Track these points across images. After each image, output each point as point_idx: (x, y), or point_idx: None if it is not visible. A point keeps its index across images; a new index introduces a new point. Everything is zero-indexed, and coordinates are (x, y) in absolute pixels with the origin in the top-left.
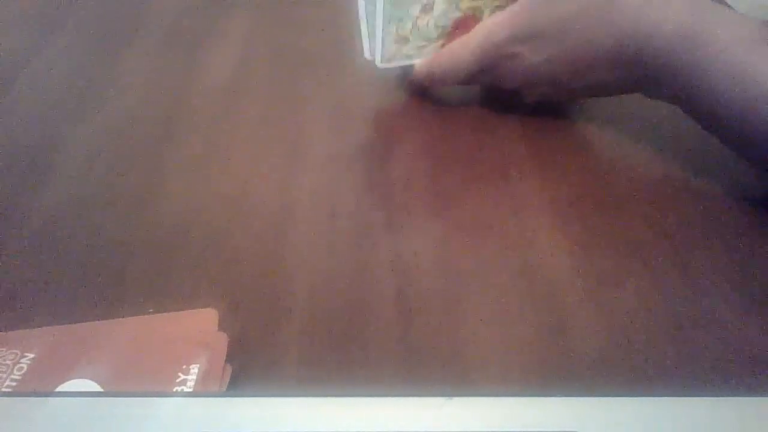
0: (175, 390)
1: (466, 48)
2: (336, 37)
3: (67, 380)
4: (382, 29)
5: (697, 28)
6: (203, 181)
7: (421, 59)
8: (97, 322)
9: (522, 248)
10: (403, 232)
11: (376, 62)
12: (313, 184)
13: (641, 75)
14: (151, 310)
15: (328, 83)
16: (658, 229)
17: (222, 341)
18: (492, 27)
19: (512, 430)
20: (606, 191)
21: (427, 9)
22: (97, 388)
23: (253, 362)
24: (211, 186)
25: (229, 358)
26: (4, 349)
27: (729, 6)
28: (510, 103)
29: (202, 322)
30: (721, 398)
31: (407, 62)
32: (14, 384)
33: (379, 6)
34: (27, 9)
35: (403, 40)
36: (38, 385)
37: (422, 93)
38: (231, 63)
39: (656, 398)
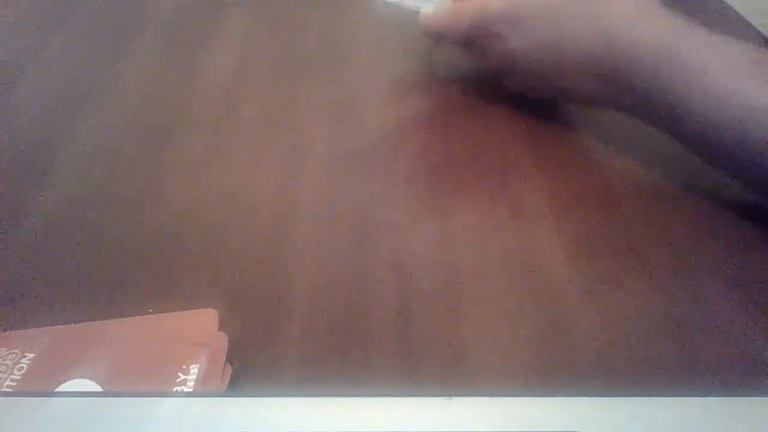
0: (175, 390)
1: (463, 13)
2: (336, 37)
3: (67, 380)
4: None
5: (681, 47)
6: (203, 181)
7: (423, 6)
8: (97, 322)
9: (522, 248)
10: (403, 232)
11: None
12: (313, 184)
13: (620, 88)
14: (151, 310)
15: (328, 83)
16: (657, 229)
17: (222, 341)
18: (488, 0)
19: (512, 430)
20: (606, 192)
21: None
22: (97, 388)
23: (253, 362)
24: (211, 186)
25: (229, 358)
26: (4, 349)
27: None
28: (509, 101)
29: (202, 322)
30: (721, 398)
31: (410, 3)
32: (14, 384)
33: None
34: (27, 9)
35: None
36: (38, 385)
37: (429, 81)
38: (231, 63)
39: (656, 398)
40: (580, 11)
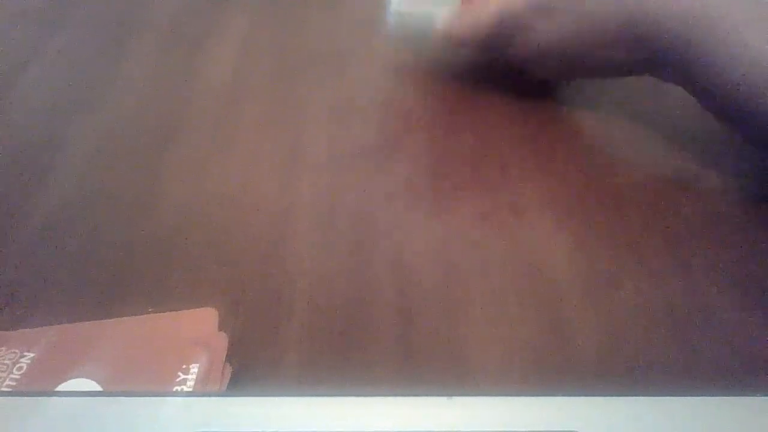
0: (175, 390)
1: (486, 12)
2: (336, 36)
3: (67, 380)
4: None
5: (710, 9)
6: (203, 181)
7: (435, 12)
8: (97, 322)
9: (522, 248)
10: (403, 232)
11: (392, 7)
12: (313, 184)
13: (650, 55)
14: (151, 310)
15: (328, 83)
16: (658, 229)
17: (222, 341)
18: None
19: (512, 430)
20: (606, 191)
21: None
22: (97, 387)
23: (253, 362)
24: (211, 186)
25: (229, 358)
26: (4, 349)
27: None
28: (510, 100)
29: (202, 322)
30: (721, 398)
31: (421, 8)
32: (14, 384)
33: None
34: (27, 8)
35: None
36: (38, 385)
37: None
38: (231, 63)
39: (656, 398)
40: None
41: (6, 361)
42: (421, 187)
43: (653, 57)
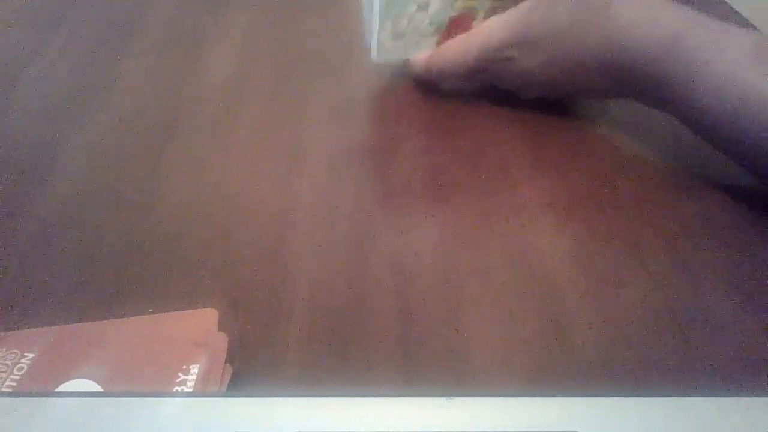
0: (175, 390)
1: (466, 47)
2: (336, 36)
3: (67, 380)
4: (379, 25)
5: (682, 41)
6: (203, 181)
7: (415, 55)
8: (97, 322)
9: (522, 248)
10: (403, 232)
11: (373, 56)
12: (313, 184)
13: (631, 84)
14: (151, 310)
15: (328, 83)
16: (658, 229)
17: (222, 341)
18: (491, 30)
19: (512, 430)
20: (606, 191)
21: (422, 7)
22: (97, 388)
23: (253, 362)
24: (211, 186)
25: (229, 358)
26: (4, 349)
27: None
28: (509, 101)
29: (202, 322)
30: (721, 398)
31: (402, 57)
32: (14, 384)
33: (377, 4)
34: (27, 8)
35: (399, 35)
36: (38, 385)
37: (426, 88)
38: (231, 63)
39: (656, 398)
40: (583, 25)
41: (6, 362)
42: (420, 186)
43: (631, 86)
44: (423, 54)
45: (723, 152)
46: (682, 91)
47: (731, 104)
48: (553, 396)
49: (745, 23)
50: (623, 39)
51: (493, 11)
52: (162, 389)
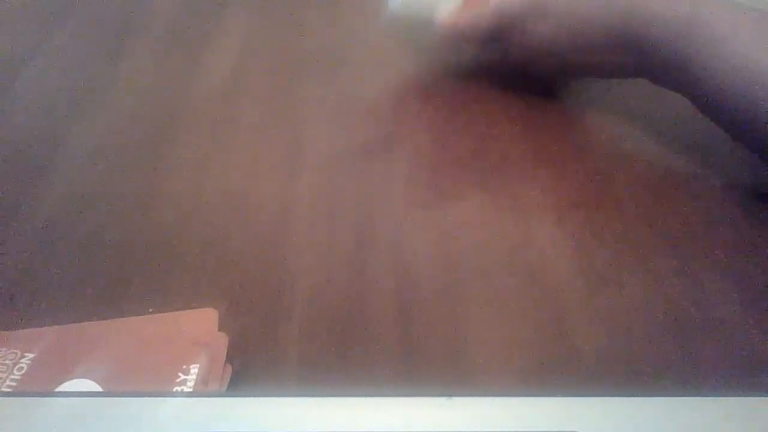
0: (175, 390)
1: (484, 11)
2: (336, 36)
3: (67, 380)
4: None
5: (699, 17)
6: (203, 181)
7: (431, 11)
8: (97, 322)
9: (522, 248)
10: (403, 232)
11: (391, 6)
12: (313, 184)
13: (643, 61)
14: (151, 310)
15: (328, 83)
16: (658, 229)
17: (222, 341)
18: None
19: (512, 430)
20: (606, 191)
21: None
22: (97, 388)
23: (253, 362)
24: (211, 186)
25: (229, 358)
26: (4, 349)
27: None
28: (510, 99)
29: (202, 322)
30: (721, 398)
31: (419, 12)
32: (14, 384)
33: None
34: (27, 8)
35: None
36: (38, 385)
37: (431, 81)
38: (231, 63)
39: (656, 398)
40: None
41: (6, 362)
42: (420, 186)
43: (644, 61)
44: (446, 14)
45: (732, 131)
46: (695, 68)
47: (747, 81)
48: (553, 396)
49: None
50: (635, 14)
51: None
52: (162, 389)
